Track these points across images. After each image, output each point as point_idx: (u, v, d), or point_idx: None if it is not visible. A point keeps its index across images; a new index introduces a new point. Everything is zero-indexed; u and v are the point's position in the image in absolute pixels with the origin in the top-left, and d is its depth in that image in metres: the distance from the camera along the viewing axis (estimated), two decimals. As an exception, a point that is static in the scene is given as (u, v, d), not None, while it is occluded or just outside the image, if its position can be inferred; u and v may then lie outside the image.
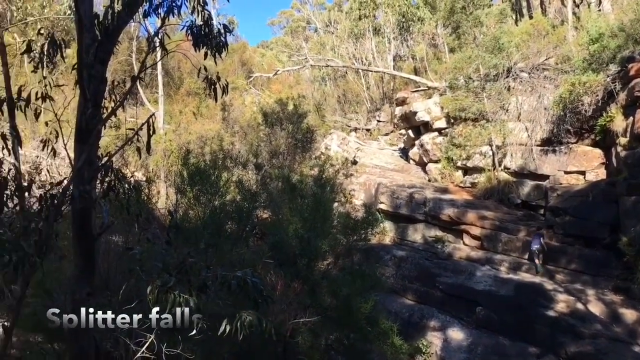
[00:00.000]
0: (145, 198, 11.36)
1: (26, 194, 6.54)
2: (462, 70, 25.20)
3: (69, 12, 19.86)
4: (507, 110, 22.82)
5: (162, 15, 6.48)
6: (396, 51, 40.14)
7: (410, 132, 28.32)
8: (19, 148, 6.35)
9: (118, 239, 10.98)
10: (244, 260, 10.53)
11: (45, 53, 5.96)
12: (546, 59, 23.85)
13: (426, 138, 25.80)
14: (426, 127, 26.15)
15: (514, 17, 35.17)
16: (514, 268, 18.46)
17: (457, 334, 16.43)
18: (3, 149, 5.10)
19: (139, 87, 26.91)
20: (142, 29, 30.42)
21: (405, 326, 15.94)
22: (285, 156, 23.42)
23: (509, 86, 23.27)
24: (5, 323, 5.67)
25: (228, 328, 4.90)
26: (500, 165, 22.38)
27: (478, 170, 23.29)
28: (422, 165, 26.83)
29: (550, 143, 21.26)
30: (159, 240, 6.39)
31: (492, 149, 22.51)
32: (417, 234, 22.20)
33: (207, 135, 25.85)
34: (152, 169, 19.68)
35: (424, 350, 15.69)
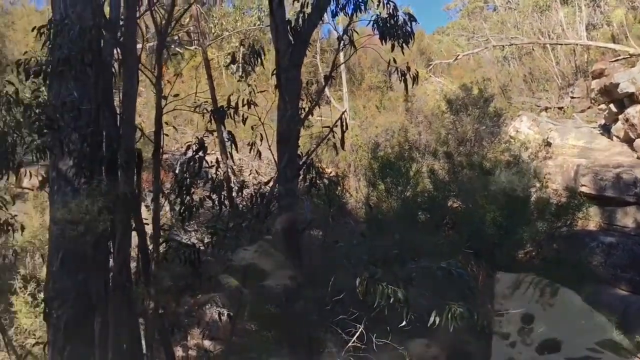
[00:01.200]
0: (341, 193, 11.78)
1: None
2: (674, 30, 22.28)
3: (258, 22, 21.44)
4: None
5: (349, 13, 6.66)
6: (588, 20, 36.70)
7: (611, 106, 25.67)
8: (235, 152, 6.94)
9: (316, 233, 11.50)
10: (441, 251, 10.40)
11: (247, 62, 6.44)
12: None
13: (632, 111, 23.22)
14: (631, 99, 23.54)
15: None
16: None
17: (686, 328, 14.59)
18: (221, 153, 5.60)
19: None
20: (323, 31, 31.52)
21: (620, 319, 14.51)
22: (473, 143, 22.67)
23: None
24: (229, 312, 6.22)
25: (437, 320, 4.86)
26: None
27: (700, 142, 20.43)
28: (629, 141, 24.21)
29: None
30: (354, 233, 6.56)
31: None
32: (628, 218, 20.09)
33: (392, 128, 26.00)
34: (350, 164, 20.44)
35: (648, 347, 14.18)
